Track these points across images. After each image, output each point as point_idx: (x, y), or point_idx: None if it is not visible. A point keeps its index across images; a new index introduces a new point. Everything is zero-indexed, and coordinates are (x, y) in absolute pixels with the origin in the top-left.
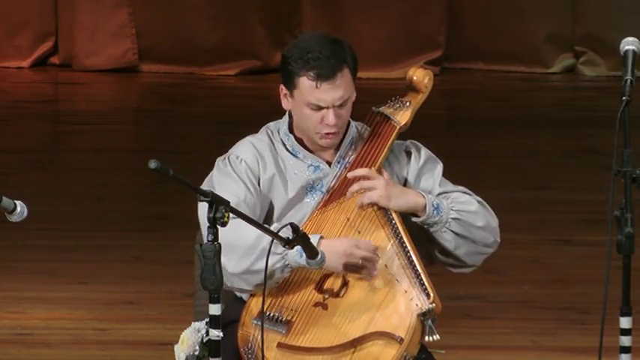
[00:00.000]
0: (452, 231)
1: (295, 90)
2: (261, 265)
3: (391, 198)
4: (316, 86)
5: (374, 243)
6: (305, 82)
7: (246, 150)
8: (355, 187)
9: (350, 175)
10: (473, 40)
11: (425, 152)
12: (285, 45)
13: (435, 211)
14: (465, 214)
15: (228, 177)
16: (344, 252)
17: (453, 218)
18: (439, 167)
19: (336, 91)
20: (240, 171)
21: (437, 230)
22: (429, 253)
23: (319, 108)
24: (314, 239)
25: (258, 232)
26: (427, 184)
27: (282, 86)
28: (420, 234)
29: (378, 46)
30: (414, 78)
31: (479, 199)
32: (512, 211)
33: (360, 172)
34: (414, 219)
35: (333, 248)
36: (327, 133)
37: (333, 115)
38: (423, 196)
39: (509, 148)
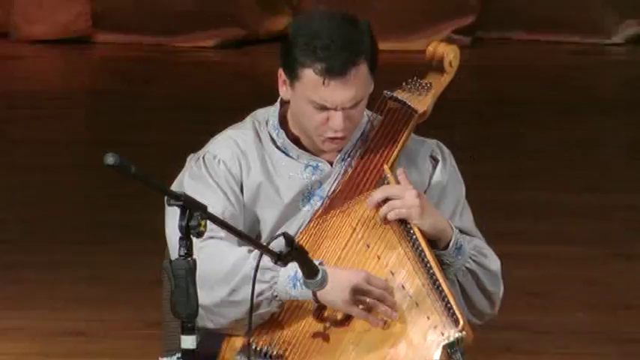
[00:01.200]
0: (457, 280)
1: (297, 82)
2: (242, 295)
3: (424, 213)
4: (323, 83)
5: (388, 257)
6: (310, 76)
7: (226, 147)
8: (385, 208)
9: (371, 204)
10: (512, 3)
11: (451, 165)
12: (277, 9)
13: (456, 252)
14: (482, 270)
15: (202, 183)
16: (349, 285)
17: (467, 268)
18: (463, 191)
19: (346, 91)
20: (217, 175)
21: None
22: None
23: (324, 108)
24: None
25: (238, 256)
26: (447, 209)
27: (281, 71)
28: None
29: (394, 11)
30: (436, 54)
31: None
32: (561, 218)
33: (379, 195)
34: None
35: (336, 278)
36: (332, 138)
37: (341, 119)
38: (452, 228)
39: (559, 139)
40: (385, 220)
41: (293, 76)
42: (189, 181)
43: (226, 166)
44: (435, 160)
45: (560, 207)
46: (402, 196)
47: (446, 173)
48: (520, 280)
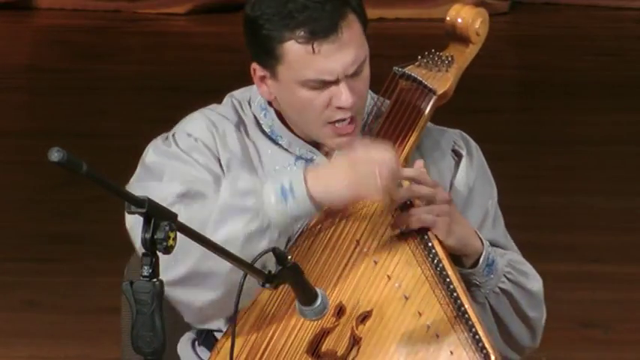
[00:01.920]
0: (490, 305)
1: (280, 65)
2: (225, 231)
3: (453, 228)
4: (313, 50)
5: (400, 277)
6: (294, 50)
7: (199, 126)
8: (403, 192)
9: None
10: None
11: (479, 161)
12: None
13: (487, 270)
14: (519, 291)
15: (174, 159)
16: (371, 160)
17: (501, 289)
18: (494, 195)
19: (344, 52)
20: (192, 151)
21: (471, 292)
22: None
23: (324, 84)
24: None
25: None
26: (474, 217)
27: (254, 65)
28: None
29: None
30: (459, 20)
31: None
32: (623, 229)
33: (410, 172)
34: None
35: (345, 162)
36: (341, 121)
37: (348, 91)
38: (482, 242)
39: (619, 130)
40: (402, 227)
41: (272, 60)
42: (157, 158)
43: (204, 143)
44: (458, 156)
45: (619, 214)
46: (432, 199)
47: (472, 172)
48: (573, 307)
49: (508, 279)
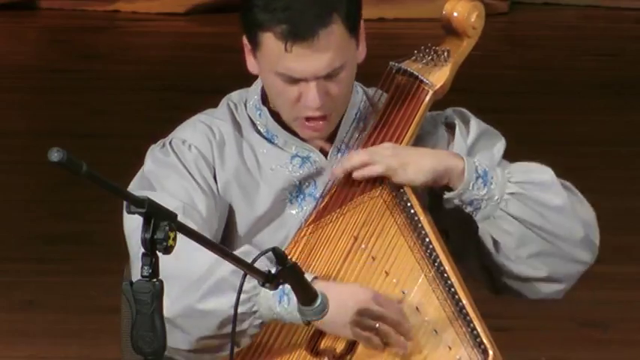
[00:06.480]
0: (511, 215)
1: (259, 51)
2: (212, 304)
3: (408, 164)
4: (285, 49)
5: (398, 272)
6: (270, 42)
7: (195, 132)
8: (356, 173)
9: (335, 170)
10: None
11: (476, 124)
12: None
13: (481, 181)
14: (530, 186)
15: (170, 169)
16: (355, 305)
17: (511, 193)
18: (500, 144)
19: (316, 58)
20: (188, 161)
21: (486, 216)
22: (487, 269)
23: (294, 80)
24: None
25: (214, 257)
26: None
27: (245, 39)
28: (463, 235)
29: None
30: (455, 15)
31: (565, 182)
32: (623, 228)
33: (351, 162)
34: (447, 195)
35: (336, 293)
36: (309, 120)
37: (316, 93)
38: (462, 158)
39: (619, 130)
40: (367, 205)
41: (254, 42)
42: (155, 168)
43: (199, 151)
44: (450, 127)
45: (620, 214)
46: (374, 160)
47: (469, 133)
48: (572, 307)
49: (513, 182)
